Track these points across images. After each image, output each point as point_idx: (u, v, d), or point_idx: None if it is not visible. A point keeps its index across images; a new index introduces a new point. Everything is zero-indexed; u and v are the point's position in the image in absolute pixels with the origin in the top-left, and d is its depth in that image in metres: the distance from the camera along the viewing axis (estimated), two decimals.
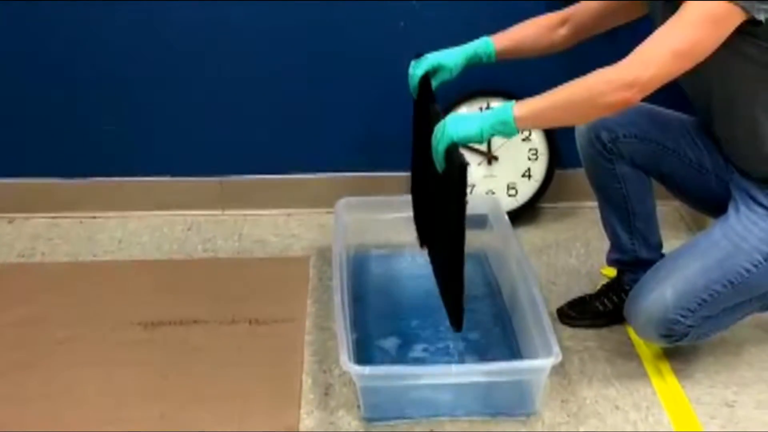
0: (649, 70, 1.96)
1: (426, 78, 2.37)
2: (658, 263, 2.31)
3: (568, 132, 3.09)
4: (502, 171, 3.11)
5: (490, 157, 3.10)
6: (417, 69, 2.38)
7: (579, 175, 3.20)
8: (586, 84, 2.01)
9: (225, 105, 3.13)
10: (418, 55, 2.41)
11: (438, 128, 2.11)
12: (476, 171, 3.09)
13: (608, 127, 2.38)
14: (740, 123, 2.18)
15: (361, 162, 3.20)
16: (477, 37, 2.41)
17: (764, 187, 2.21)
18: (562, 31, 2.37)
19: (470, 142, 2.11)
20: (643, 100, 2.02)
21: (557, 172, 3.15)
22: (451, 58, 2.38)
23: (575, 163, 3.17)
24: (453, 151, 2.08)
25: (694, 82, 2.19)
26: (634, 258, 2.53)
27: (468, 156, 2.91)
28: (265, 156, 3.20)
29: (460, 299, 2.20)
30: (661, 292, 2.20)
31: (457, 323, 2.25)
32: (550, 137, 3.10)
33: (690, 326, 2.21)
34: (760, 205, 2.21)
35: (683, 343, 2.29)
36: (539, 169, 3.13)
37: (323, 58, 3.08)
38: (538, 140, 3.10)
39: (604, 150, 2.41)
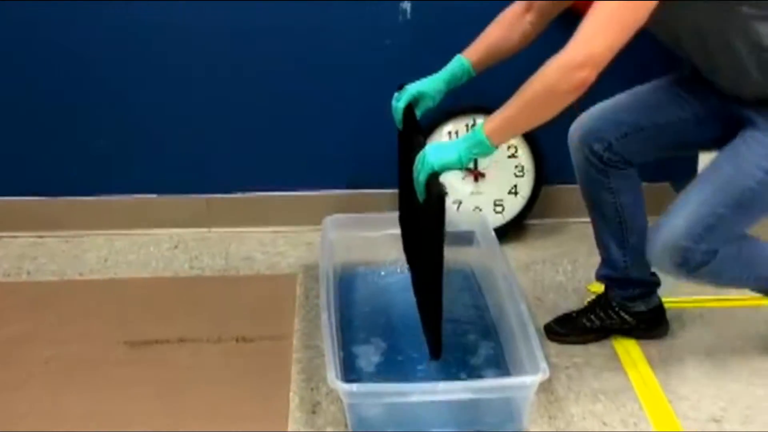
0: (597, 45, 1.97)
1: (410, 108, 2.40)
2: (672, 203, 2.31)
3: (554, 148, 3.11)
4: (489, 188, 3.12)
5: (477, 174, 3.10)
6: (399, 102, 2.42)
7: (565, 192, 3.24)
8: (542, 78, 2.02)
9: (211, 123, 3.13)
10: (400, 86, 2.44)
11: (418, 158, 2.14)
12: (463, 188, 3.09)
13: (599, 138, 2.39)
14: (720, 55, 2.19)
15: (348, 179, 3.20)
16: (463, 49, 2.42)
17: (760, 108, 2.20)
18: (529, 18, 2.38)
19: (450, 169, 2.13)
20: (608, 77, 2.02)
21: (544, 188, 3.16)
22: (431, 85, 2.41)
23: (562, 180, 3.22)
24: (432, 181, 2.11)
25: (660, 30, 2.21)
26: (625, 276, 2.53)
27: (456, 173, 2.92)
28: (251, 173, 3.20)
29: (438, 327, 2.22)
30: (673, 222, 2.22)
31: (435, 351, 2.26)
32: (536, 154, 3.10)
33: (705, 253, 2.20)
34: (758, 125, 2.21)
35: (704, 277, 2.26)
36: (526, 185, 3.14)
37: (309, 76, 3.09)
38: (524, 157, 3.11)
39: (600, 162, 2.41)
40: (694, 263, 2.21)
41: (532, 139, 3.09)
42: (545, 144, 3.11)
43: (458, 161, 2.12)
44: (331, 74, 3.09)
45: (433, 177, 2.12)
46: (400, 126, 2.45)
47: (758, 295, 2.45)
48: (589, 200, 2.51)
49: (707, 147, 2.40)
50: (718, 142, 2.29)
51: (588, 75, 1.98)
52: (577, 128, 2.45)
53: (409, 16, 3.01)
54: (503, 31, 2.38)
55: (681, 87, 2.37)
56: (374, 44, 3.04)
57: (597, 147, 2.40)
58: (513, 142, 3.08)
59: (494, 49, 2.39)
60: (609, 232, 2.51)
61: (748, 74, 2.17)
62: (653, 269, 2.40)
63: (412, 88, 2.41)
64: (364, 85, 3.08)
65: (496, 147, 2.11)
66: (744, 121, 2.24)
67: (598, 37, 1.98)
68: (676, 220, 2.21)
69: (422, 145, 2.20)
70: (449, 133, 3.04)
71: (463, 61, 2.40)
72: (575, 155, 2.46)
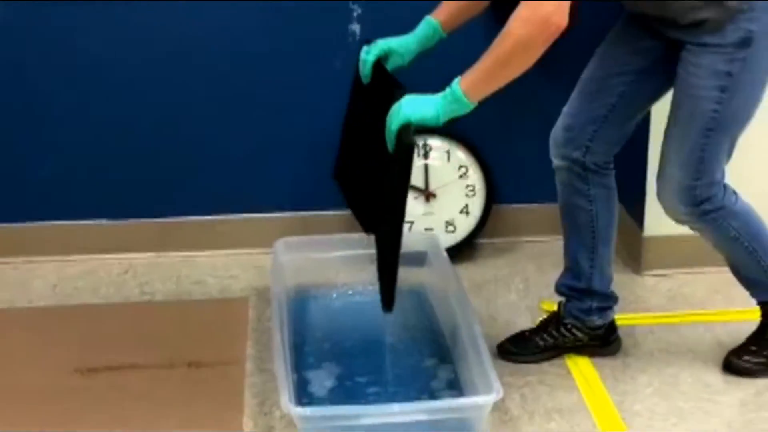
0: None
1: (379, 64, 2.39)
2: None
3: (504, 168, 3.15)
4: (441, 208, 3.13)
5: (428, 195, 3.11)
6: (369, 54, 2.41)
7: (516, 211, 3.26)
8: (515, 34, 2.03)
9: (161, 147, 3.12)
10: (368, 41, 2.42)
11: (393, 108, 2.13)
12: (415, 208, 3.10)
13: (576, 146, 2.44)
14: None
15: (299, 201, 3.20)
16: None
17: (693, 31, 2.22)
18: None
19: (427, 124, 2.13)
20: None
21: (495, 207, 3.17)
22: (401, 42, 2.42)
23: (512, 199, 3.24)
24: (404, 131, 2.09)
25: None
26: (587, 287, 2.56)
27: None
28: (201, 197, 3.18)
29: (394, 276, 2.20)
30: (669, 173, 2.35)
31: (388, 302, 2.26)
32: (486, 173, 3.12)
33: (708, 186, 2.31)
34: (690, 50, 2.24)
35: (717, 221, 2.37)
36: (477, 205, 3.15)
37: (258, 99, 3.09)
38: (475, 177, 3.12)
39: (583, 170, 2.46)
40: (703, 197, 2.33)
41: (482, 159, 3.11)
42: (496, 164, 3.13)
43: (436, 117, 2.11)
44: (281, 96, 3.09)
45: (406, 128, 2.10)
46: (366, 80, 2.43)
47: (746, 276, 2.52)
48: (566, 209, 2.55)
49: (667, 88, 2.44)
50: (672, 79, 2.35)
51: (561, 18, 2.02)
52: (553, 146, 2.50)
53: (358, 37, 3.02)
54: None
55: (616, 48, 2.41)
56: (324, 66, 3.04)
57: (577, 155, 2.44)
58: (463, 162, 3.10)
59: (460, 6, 2.41)
60: (580, 241, 2.54)
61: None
62: (670, 216, 2.45)
63: (383, 43, 2.41)
64: (314, 107, 3.08)
65: (474, 104, 2.11)
66: (679, 50, 2.28)
67: None
68: (670, 169, 2.34)
69: (402, 95, 2.16)
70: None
71: (430, 20, 2.41)
72: (559, 172, 2.51)
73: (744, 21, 2.17)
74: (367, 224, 2.56)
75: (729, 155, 2.34)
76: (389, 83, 2.33)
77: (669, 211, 2.42)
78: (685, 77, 2.27)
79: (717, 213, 2.37)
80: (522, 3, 2.03)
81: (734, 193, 2.40)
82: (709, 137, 2.27)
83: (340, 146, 2.63)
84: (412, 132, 2.09)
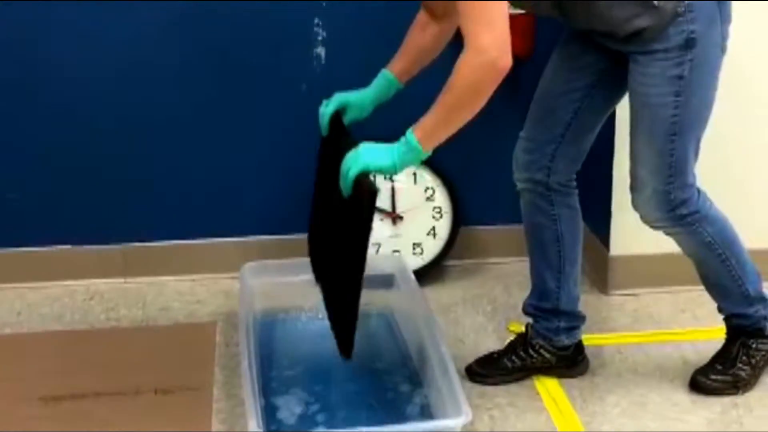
0: (494, 29, 2.01)
1: (337, 116, 2.41)
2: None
3: (471, 190, 3.16)
4: (407, 230, 3.13)
5: (395, 217, 3.12)
6: (327, 107, 2.43)
7: (483, 232, 3.27)
8: (462, 80, 2.05)
9: (124, 171, 3.10)
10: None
11: (351, 155, 2.14)
12: (381, 231, 3.10)
13: (538, 168, 2.46)
14: (575, 4, 2.25)
15: (266, 225, 3.19)
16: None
17: (635, 40, 2.24)
18: (433, 29, 2.39)
19: (384, 173, 2.15)
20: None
21: (462, 229, 3.18)
22: (359, 96, 2.43)
23: (479, 221, 3.25)
24: (363, 179, 2.11)
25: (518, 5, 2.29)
26: (555, 307, 2.57)
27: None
28: (167, 222, 3.16)
29: (352, 326, 2.20)
30: (641, 180, 2.37)
31: (346, 350, 2.25)
32: (453, 196, 3.13)
33: (682, 189, 2.34)
34: (635, 59, 2.26)
35: (695, 224, 2.39)
36: (444, 227, 3.15)
37: (224, 122, 3.08)
38: (441, 199, 3.13)
39: (546, 190, 2.48)
40: (678, 201, 2.35)
41: (449, 181, 3.11)
42: (462, 186, 3.14)
43: (392, 167, 2.13)
44: (247, 120, 3.08)
45: (364, 175, 2.11)
46: (325, 132, 2.45)
47: (715, 285, 2.54)
48: (532, 229, 2.57)
49: (619, 97, 2.46)
50: (621, 87, 2.37)
51: (506, 60, 2.03)
52: (516, 169, 2.52)
53: (323, 61, 3.03)
54: (415, 35, 2.41)
55: (561, 67, 2.44)
56: (290, 90, 3.04)
57: (539, 176, 2.47)
58: (430, 184, 3.11)
59: (412, 55, 2.42)
60: (545, 261, 2.56)
61: (605, 11, 2.21)
62: (647, 224, 2.46)
63: (341, 96, 2.43)
64: (280, 131, 3.08)
65: (429, 152, 2.13)
66: (624, 61, 2.30)
67: (485, 20, 2.01)
68: (643, 178, 2.36)
69: (354, 145, 2.18)
70: None
71: (385, 73, 2.42)
72: (524, 194, 2.53)
73: (685, 23, 2.19)
74: (318, 274, 2.58)
75: (696, 156, 2.36)
76: (343, 135, 2.36)
77: (645, 218, 2.44)
78: (637, 88, 2.29)
79: (692, 217, 2.39)
80: (466, 48, 2.04)
81: (708, 199, 2.43)
82: (674, 141, 2.29)
83: (313, 198, 2.65)
84: (371, 179, 2.12)
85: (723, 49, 2.28)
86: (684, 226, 2.41)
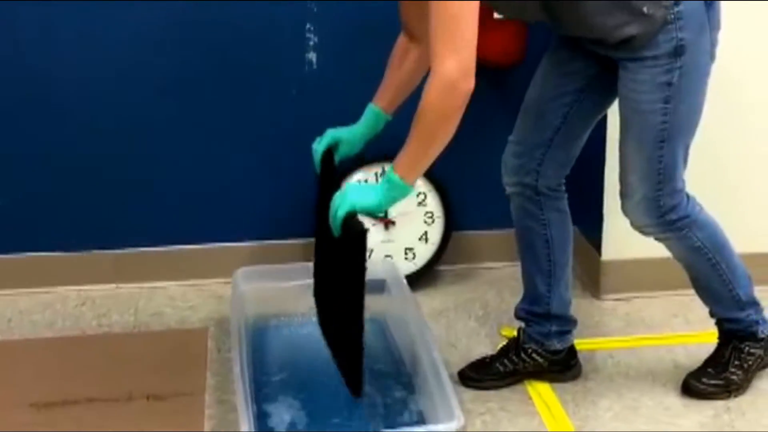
0: (457, 52, 2.01)
1: (329, 152, 2.44)
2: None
3: (462, 195, 3.16)
4: (400, 235, 3.13)
5: (387, 222, 3.11)
6: (319, 145, 2.45)
7: (475, 237, 3.28)
8: (429, 107, 2.05)
9: (116, 176, 3.09)
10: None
11: (338, 195, 2.16)
12: (374, 236, 3.09)
13: (526, 172, 2.47)
14: (564, 11, 2.25)
15: (258, 231, 3.19)
16: (369, 98, 2.45)
17: (623, 48, 2.24)
18: (413, 53, 2.40)
19: (370, 213, 2.18)
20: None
21: (454, 234, 3.18)
22: (350, 132, 2.45)
23: (471, 226, 3.25)
24: (352, 219, 2.13)
25: (502, 5, 2.30)
26: (546, 311, 2.58)
27: (365, 222, 2.93)
28: (159, 227, 3.16)
29: (359, 366, 2.21)
30: (630, 187, 2.37)
31: (356, 389, 2.26)
32: (445, 201, 3.13)
33: (671, 195, 2.34)
34: (625, 66, 2.27)
35: (685, 229, 2.40)
36: (436, 232, 3.16)
37: (216, 127, 3.08)
38: (433, 204, 3.13)
39: (535, 194, 2.49)
40: (668, 207, 2.36)
41: (440, 186, 3.12)
42: (454, 191, 3.14)
43: (378, 206, 2.15)
44: (239, 125, 3.08)
45: (352, 216, 2.13)
46: (318, 169, 2.47)
47: (707, 290, 2.54)
48: (522, 234, 2.57)
49: (609, 102, 2.47)
50: (611, 92, 2.38)
51: (468, 83, 2.03)
52: (505, 174, 2.53)
53: (315, 66, 3.03)
54: (397, 64, 2.42)
55: (551, 72, 2.44)
56: (281, 95, 3.04)
57: (528, 180, 2.48)
58: (422, 189, 3.11)
59: (396, 85, 2.43)
60: (536, 265, 2.56)
61: (593, 18, 2.22)
62: (637, 230, 2.46)
63: (332, 132, 2.45)
64: (272, 136, 3.08)
65: (412, 186, 2.15)
66: (613, 67, 2.31)
67: (451, 44, 2.01)
68: (632, 184, 2.37)
69: (339, 185, 2.21)
70: (359, 181, 3.05)
71: (372, 108, 2.44)
72: (513, 198, 2.54)
73: (674, 30, 2.19)
74: (322, 312, 2.61)
75: (685, 162, 2.37)
76: (333, 174, 2.40)
77: (635, 224, 2.44)
78: (627, 95, 2.30)
79: (682, 222, 2.39)
80: (431, 72, 2.05)
81: (698, 203, 2.44)
82: (663, 148, 2.30)
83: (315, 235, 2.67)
84: (359, 219, 2.14)
85: (712, 56, 2.29)
86: (674, 232, 2.42)
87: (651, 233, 2.45)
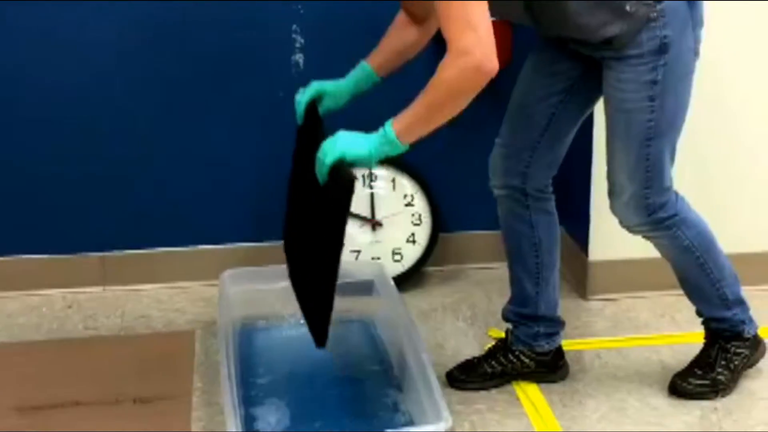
0: (475, 32, 2.00)
1: (313, 104, 2.41)
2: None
3: (450, 196, 3.16)
4: (387, 236, 3.13)
5: (375, 224, 3.11)
6: (303, 95, 2.42)
7: (463, 238, 3.28)
8: (447, 84, 2.03)
9: (103, 179, 3.08)
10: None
11: (328, 142, 2.13)
12: (361, 237, 3.09)
13: (514, 174, 2.47)
14: (547, 11, 2.25)
15: (245, 233, 3.18)
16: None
17: (607, 47, 2.25)
18: (412, 31, 2.39)
19: (359, 162, 2.13)
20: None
21: (441, 235, 3.18)
22: (335, 85, 2.42)
23: (458, 227, 3.26)
24: (341, 167, 2.10)
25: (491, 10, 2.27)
26: (534, 312, 2.58)
27: (352, 223, 2.93)
28: (145, 230, 3.15)
29: (327, 315, 2.18)
30: (618, 186, 2.38)
31: (321, 339, 2.24)
32: (432, 202, 3.13)
33: (660, 193, 2.35)
34: (609, 65, 2.27)
35: (673, 228, 2.41)
36: (423, 233, 3.16)
37: (203, 129, 3.07)
38: (421, 205, 3.13)
39: (523, 196, 2.49)
40: (656, 205, 2.37)
41: (428, 187, 3.12)
42: (442, 192, 3.14)
43: (368, 156, 2.12)
44: (225, 127, 3.08)
45: (341, 162, 2.11)
46: (300, 120, 2.45)
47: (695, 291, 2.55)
48: (509, 236, 2.57)
49: (594, 102, 2.47)
50: (596, 92, 2.38)
51: (493, 63, 2.01)
52: (492, 176, 2.53)
53: (301, 68, 3.03)
54: (397, 32, 2.41)
55: (536, 73, 2.44)
56: (267, 97, 3.04)
57: (516, 182, 2.48)
58: (409, 191, 3.11)
59: (393, 50, 2.42)
60: (524, 267, 2.56)
61: (577, 19, 2.22)
62: (626, 229, 2.47)
63: (317, 84, 2.42)
64: (258, 137, 3.08)
65: (406, 146, 2.12)
66: (598, 67, 2.31)
67: (466, 24, 2.00)
68: (620, 183, 2.37)
69: (324, 136, 2.17)
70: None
71: (364, 65, 2.42)
72: (501, 201, 2.54)
73: (657, 28, 2.20)
74: (292, 263, 2.56)
75: (672, 160, 2.38)
76: (318, 124, 2.36)
77: (624, 223, 2.45)
78: (613, 94, 2.30)
79: (671, 220, 2.40)
80: (450, 49, 2.02)
81: (686, 202, 2.44)
82: (650, 146, 2.30)
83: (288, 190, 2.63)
84: (348, 168, 2.11)
85: (696, 53, 2.29)
86: (663, 230, 2.42)
87: (640, 232, 2.45)
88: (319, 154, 2.14)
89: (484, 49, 2.00)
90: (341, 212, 2.11)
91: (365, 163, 2.15)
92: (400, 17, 2.41)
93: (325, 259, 2.18)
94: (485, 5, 2.03)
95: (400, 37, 2.40)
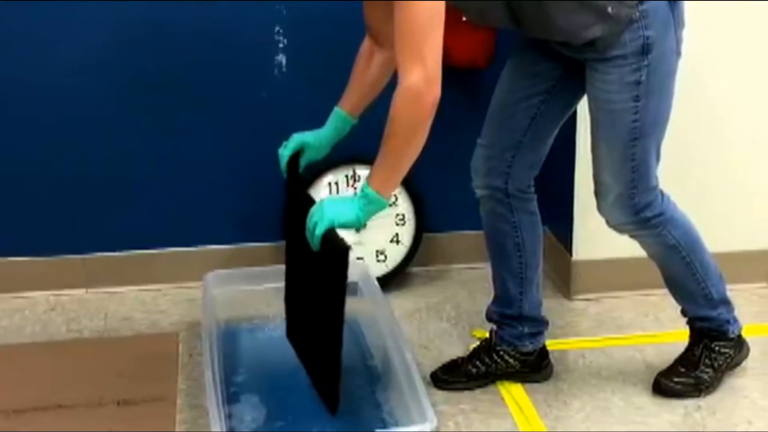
0: (423, 61, 2.02)
1: (294, 158, 2.43)
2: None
3: (433, 196, 3.16)
4: (371, 237, 3.13)
5: None
6: (285, 149, 2.44)
7: (446, 238, 3.28)
8: (398, 118, 2.06)
9: (85, 180, 3.07)
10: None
11: (315, 210, 2.16)
12: (345, 238, 3.08)
13: (496, 174, 2.47)
14: (529, 14, 2.25)
15: (229, 234, 3.17)
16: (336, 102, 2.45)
17: (590, 48, 2.25)
18: (378, 57, 2.40)
19: (349, 228, 2.17)
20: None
21: (425, 236, 3.18)
22: (316, 137, 2.44)
23: (443, 227, 3.26)
24: (332, 235, 2.12)
25: (469, 8, 2.30)
26: (518, 313, 2.58)
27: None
28: (128, 232, 3.14)
29: (337, 383, 2.22)
30: (604, 186, 2.39)
31: (333, 406, 2.28)
32: (416, 202, 3.13)
33: (646, 192, 2.36)
34: (592, 66, 2.29)
35: (660, 227, 2.42)
36: (407, 233, 3.16)
37: (185, 131, 3.07)
38: (405, 205, 3.13)
39: (506, 197, 2.49)
40: (643, 205, 2.37)
41: (411, 187, 3.12)
42: (425, 192, 3.14)
43: (357, 221, 2.16)
44: (207, 127, 3.07)
45: (331, 231, 2.13)
46: (284, 174, 2.46)
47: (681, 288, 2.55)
48: (492, 236, 2.57)
49: (576, 102, 2.48)
50: (578, 92, 2.40)
51: (435, 92, 2.04)
52: (475, 177, 2.53)
53: (284, 69, 3.02)
54: (362, 68, 2.42)
55: (517, 73, 2.44)
56: (250, 97, 3.03)
57: (498, 183, 2.48)
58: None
59: (362, 89, 2.43)
60: (507, 267, 2.57)
61: (558, 21, 2.22)
62: (613, 228, 2.48)
63: (298, 137, 2.43)
64: (241, 139, 3.07)
65: (389, 198, 2.16)
66: (579, 68, 2.32)
67: (417, 53, 2.02)
68: (606, 183, 2.38)
69: (310, 197, 2.22)
70: (329, 183, 3.05)
71: (338, 111, 2.44)
72: (483, 201, 2.54)
73: (640, 29, 2.21)
74: (293, 326, 2.60)
75: (658, 159, 2.38)
76: (297, 183, 2.43)
77: (611, 223, 2.45)
78: (597, 95, 2.31)
79: (657, 219, 2.41)
80: (398, 83, 2.05)
81: (672, 201, 2.45)
82: (635, 146, 2.31)
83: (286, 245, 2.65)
84: (339, 236, 2.15)
85: (678, 53, 2.30)
86: (649, 229, 2.43)
87: (626, 231, 2.46)
88: (309, 224, 2.17)
89: (428, 80, 2.03)
90: (339, 282, 2.14)
91: (355, 226, 2.19)
92: (365, 47, 2.41)
93: (327, 327, 2.21)
94: (440, 36, 2.04)
95: (368, 72, 2.41)
